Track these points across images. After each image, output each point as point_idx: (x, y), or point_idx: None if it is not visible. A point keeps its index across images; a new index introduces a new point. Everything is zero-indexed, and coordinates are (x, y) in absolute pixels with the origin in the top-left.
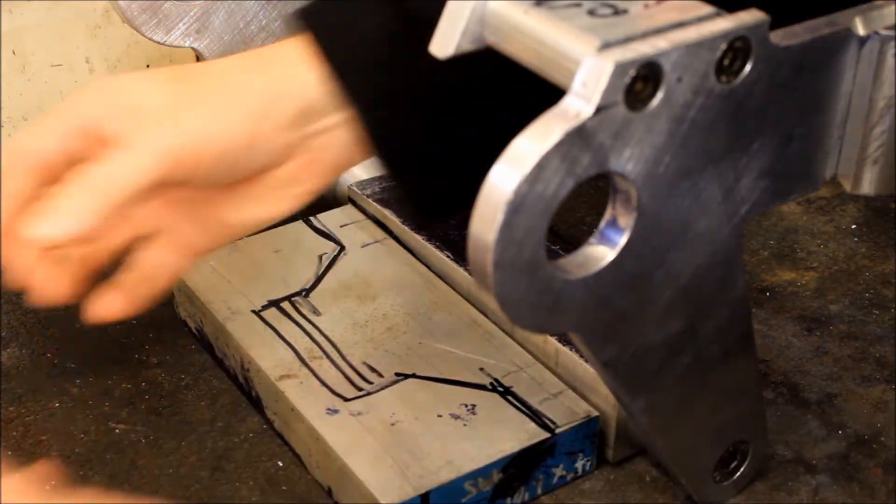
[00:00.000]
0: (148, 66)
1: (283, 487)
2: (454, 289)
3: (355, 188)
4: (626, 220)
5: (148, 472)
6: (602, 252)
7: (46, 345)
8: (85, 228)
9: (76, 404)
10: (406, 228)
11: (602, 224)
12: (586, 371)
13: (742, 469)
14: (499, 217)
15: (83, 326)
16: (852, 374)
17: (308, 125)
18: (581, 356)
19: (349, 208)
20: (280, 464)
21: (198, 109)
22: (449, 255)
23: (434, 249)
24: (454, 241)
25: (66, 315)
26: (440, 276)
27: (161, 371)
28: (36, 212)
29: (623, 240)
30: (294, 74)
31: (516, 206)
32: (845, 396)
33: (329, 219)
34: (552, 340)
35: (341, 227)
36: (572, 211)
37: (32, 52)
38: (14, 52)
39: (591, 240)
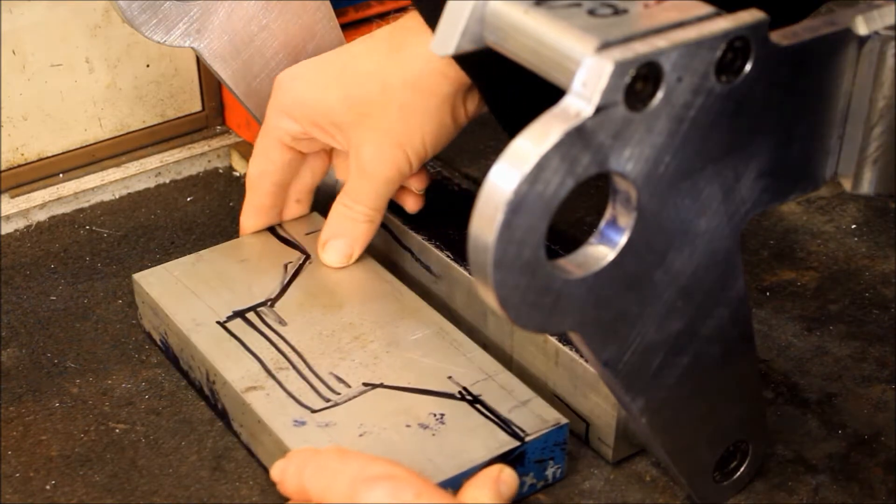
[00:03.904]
0: (148, 66)
1: None
2: (454, 289)
3: None
4: (626, 220)
5: (148, 472)
6: (602, 252)
7: (46, 345)
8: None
9: (76, 404)
10: (406, 229)
11: (602, 224)
12: (586, 371)
13: (742, 469)
14: (499, 217)
15: (83, 326)
16: (852, 374)
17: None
18: (581, 356)
19: (314, 216)
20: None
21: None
22: (449, 254)
23: (434, 249)
24: (454, 240)
25: (66, 315)
26: (440, 276)
27: (161, 371)
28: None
29: (623, 240)
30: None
31: (516, 206)
32: (845, 396)
33: (294, 227)
34: (552, 340)
35: (306, 235)
36: (572, 211)
37: (32, 52)
38: (14, 52)
39: (591, 240)
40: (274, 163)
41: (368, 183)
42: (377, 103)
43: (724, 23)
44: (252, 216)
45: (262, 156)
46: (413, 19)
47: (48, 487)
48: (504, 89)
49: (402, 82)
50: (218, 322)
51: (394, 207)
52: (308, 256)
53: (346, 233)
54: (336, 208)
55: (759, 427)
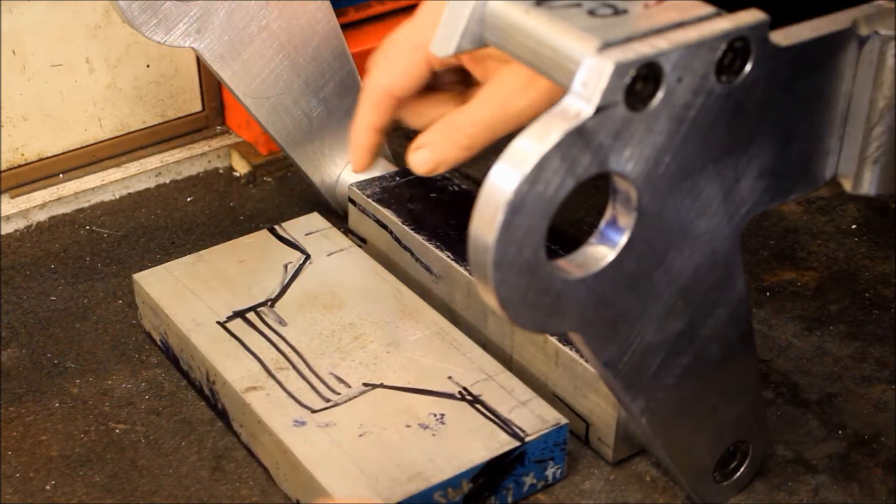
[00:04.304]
0: (148, 66)
1: None
2: (454, 289)
3: (355, 188)
4: (626, 220)
5: (148, 472)
6: (602, 252)
7: (46, 345)
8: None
9: (76, 404)
10: (406, 229)
11: (602, 224)
12: (586, 371)
13: (742, 469)
14: (499, 217)
15: (83, 326)
16: (852, 374)
17: None
18: (581, 356)
19: (314, 216)
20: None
21: None
22: (449, 254)
23: (434, 249)
24: (454, 240)
25: (66, 315)
26: (440, 277)
27: (161, 371)
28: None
29: (623, 240)
30: None
31: (516, 207)
32: (845, 396)
33: (294, 227)
34: (552, 340)
35: (306, 235)
36: (572, 211)
37: (32, 52)
38: (14, 52)
39: (591, 240)
40: (412, 81)
41: (499, 115)
42: None
43: (725, 23)
44: (371, 134)
45: (401, 72)
46: None
47: (48, 487)
48: None
49: None
50: (218, 322)
51: (394, 206)
52: (308, 256)
53: (441, 149)
54: (445, 123)
55: (759, 427)
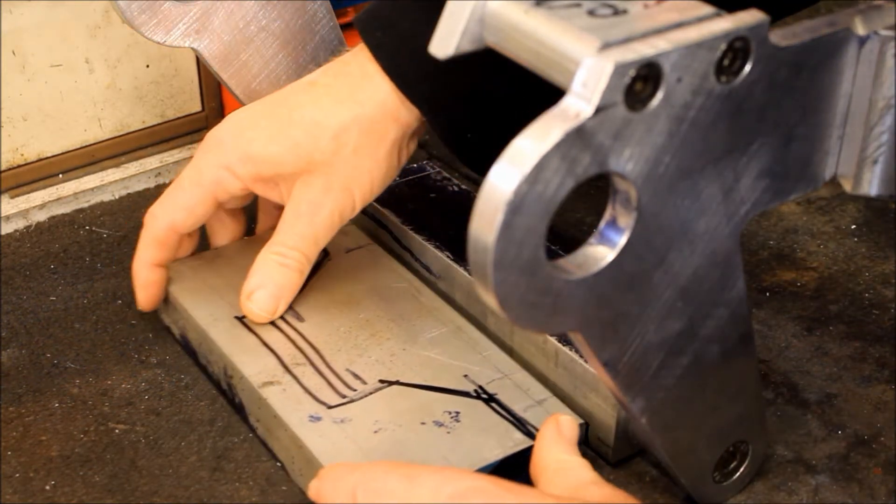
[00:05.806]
0: (148, 66)
1: (283, 487)
2: (454, 289)
3: None
4: (626, 221)
5: (148, 472)
6: (602, 252)
7: (46, 345)
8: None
9: (76, 404)
10: (406, 229)
11: (602, 224)
12: (586, 371)
13: (742, 469)
14: (499, 217)
15: (83, 326)
16: (852, 374)
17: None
18: (581, 356)
19: None
20: (280, 464)
21: None
22: (449, 255)
23: (434, 249)
24: (454, 240)
25: (66, 315)
26: (440, 277)
27: (161, 371)
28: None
29: (623, 240)
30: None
31: (516, 207)
32: (845, 396)
33: None
34: (552, 340)
35: None
36: (572, 211)
37: (32, 52)
38: (14, 53)
39: (591, 240)
40: (196, 218)
41: (310, 228)
42: (329, 150)
43: (725, 23)
44: (156, 271)
45: (185, 209)
46: (352, 65)
47: (48, 487)
48: (458, 128)
49: (355, 128)
50: (236, 317)
51: (394, 206)
52: (327, 254)
53: (276, 281)
54: (265, 257)
55: (759, 427)
